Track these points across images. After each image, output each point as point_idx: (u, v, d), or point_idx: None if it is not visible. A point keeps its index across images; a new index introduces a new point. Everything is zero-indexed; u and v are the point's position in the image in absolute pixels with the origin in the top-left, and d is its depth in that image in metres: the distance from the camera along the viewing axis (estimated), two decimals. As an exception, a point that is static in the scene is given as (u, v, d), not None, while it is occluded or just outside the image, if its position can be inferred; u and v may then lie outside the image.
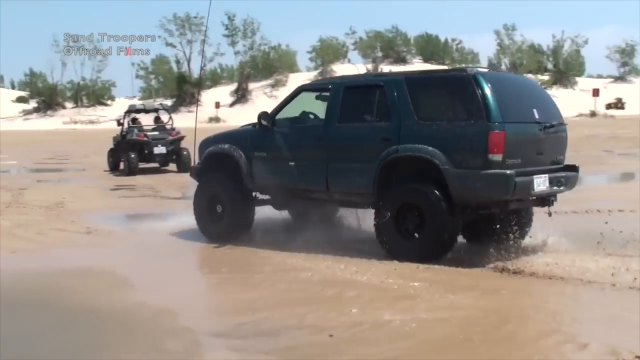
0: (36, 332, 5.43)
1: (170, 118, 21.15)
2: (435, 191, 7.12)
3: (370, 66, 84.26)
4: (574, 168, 8.02)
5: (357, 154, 7.84)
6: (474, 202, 7.37)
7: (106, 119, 74.26)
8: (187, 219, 9.62)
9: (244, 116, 72.87)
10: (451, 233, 7.31)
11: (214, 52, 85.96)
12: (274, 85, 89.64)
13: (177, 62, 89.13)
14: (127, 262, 7.95)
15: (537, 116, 7.45)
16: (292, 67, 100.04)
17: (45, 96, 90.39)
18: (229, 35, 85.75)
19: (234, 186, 8.77)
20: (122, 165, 19.75)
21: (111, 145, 20.97)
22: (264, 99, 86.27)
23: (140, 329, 5.40)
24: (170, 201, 13.52)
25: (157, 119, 21.43)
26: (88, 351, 4.94)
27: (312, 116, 8.79)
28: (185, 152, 18.87)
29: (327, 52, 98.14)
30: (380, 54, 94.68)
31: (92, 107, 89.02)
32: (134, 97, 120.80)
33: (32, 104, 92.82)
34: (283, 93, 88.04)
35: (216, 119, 73.14)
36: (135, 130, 20.02)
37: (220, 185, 8.96)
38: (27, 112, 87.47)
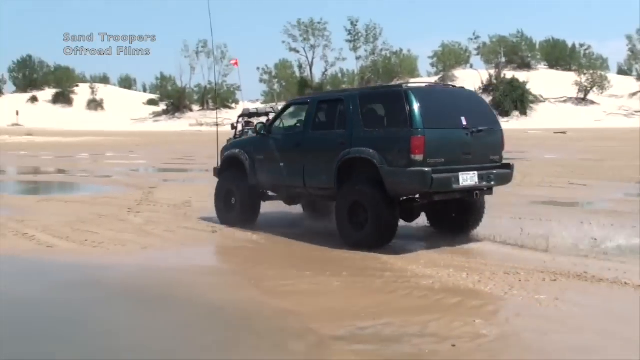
0: (163, 328, 5.65)
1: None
2: (375, 191, 8.54)
3: (492, 72, 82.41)
4: (508, 166, 9.26)
5: (324, 156, 9.31)
6: (403, 194, 8.79)
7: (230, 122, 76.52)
8: (308, 222, 9.81)
9: (363, 121, 73.36)
10: (389, 225, 8.60)
11: (336, 57, 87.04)
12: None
13: (300, 66, 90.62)
14: (251, 263, 8.13)
15: (464, 123, 8.70)
16: (413, 72, 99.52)
17: (174, 99, 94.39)
18: (351, 41, 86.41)
19: (243, 183, 10.53)
20: None
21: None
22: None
23: (263, 329, 5.51)
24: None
25: None
26: (213, 349, 5.08)
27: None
28: None
29: (449, 57, 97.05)
30: (503, 60, 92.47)
31: (217, 109, 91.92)
32: (257, 100, 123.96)
33: (162, 106, 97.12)
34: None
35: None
36: (250, 132, 20.62)
37: (233, 182, 10.78)
38: (156, 114, 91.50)
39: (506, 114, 71.30)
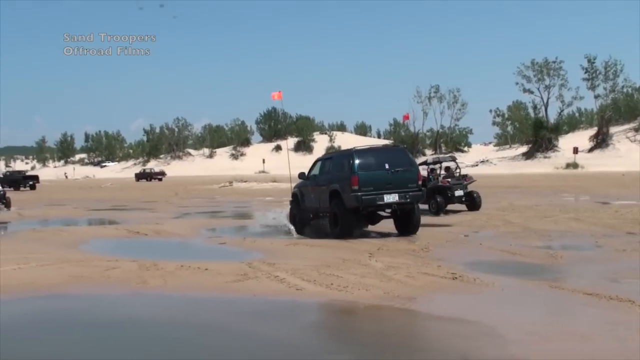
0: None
1: (458, 167, 25.03)
2: (341, 206, 15.53)
3: None
4: (420, 190, 15.75)
5: (324, 189, 16.45)
6: (352, 207, 15.37)
7: (463, 166, 75.87)
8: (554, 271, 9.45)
9: (604, 162, 68.90)
10: (348, 225, 15.60)
11: (573, 96, 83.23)
12: (637, 129, 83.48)
13: (534, 107, 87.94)
14: (495, 311, 8.01)
15: (387, 167, 15.35)
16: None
17: (407, 144, 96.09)
18: (588, 79, 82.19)
19: (299, 208, 18.20)
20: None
21: None
22: (626, 144, 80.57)
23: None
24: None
25: (447, 169, 24.88)
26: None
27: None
28: (475, 194, 23.13)
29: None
30: None
31: (449, 153, 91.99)
32: (489, 143, 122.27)
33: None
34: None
35: (574, 165, 70.15)
36: (440, 177, 23.70)
37: (295, 207, 18.49)
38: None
39: None
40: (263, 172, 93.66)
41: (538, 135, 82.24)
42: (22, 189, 57.82)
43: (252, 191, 45.39)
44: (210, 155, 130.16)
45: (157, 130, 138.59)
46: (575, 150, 73.57)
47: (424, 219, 20.41)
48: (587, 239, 14.54)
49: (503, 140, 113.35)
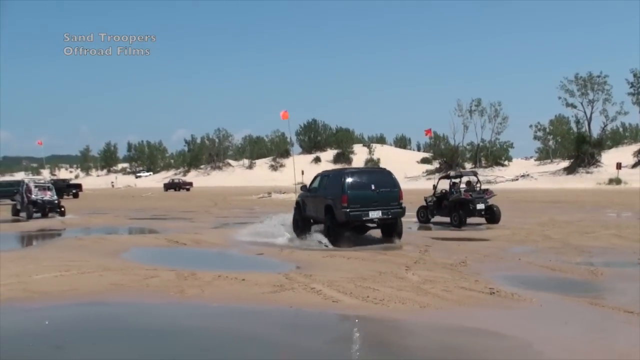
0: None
1: (479, 181, 25.94)
2: (333, 219, 17.41)
3: None
4: (401, 207, 17.59)
5: (321, 202, 18.21)
6: (342, 221, 17.24)
7: (503, 180, 75.15)
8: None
9: (649, 178, 67.32)
10: (339, 234, 17.34)
11: (617, 111, 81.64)
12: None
13: (577, 122, 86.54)
14: (530, 325, 7.92)
15: (373, 187, 17.36)
16: None
17: (446, 157, 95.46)
18: (634, 94, 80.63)
19: (301, 214, 20.03)
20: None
21: (424, 203, 25.76)
22: (673, 159, 78.90)
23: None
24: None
25: (468, 183, 25.48)
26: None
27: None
28: (495, 208, 23.83)
29: None
30: None
31: (489, 167, 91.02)
32: (530, 157, 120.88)
33: (435, 164, 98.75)
34: (697, 152, 79.69)
35: (617, 181, 68.82)
36: (462, 191, 24.15)
37: (298, 214, 20.27)
38: (429, 172, 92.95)
39: None
40: (302, 183, 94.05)
41: (580, 150, 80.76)
42: (65, 197, 58.89)
43: (290, 202, 45.38)
44: (250, 166, 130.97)
45: (198, 140, 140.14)
46: (619, 166, 72.17)
47: (459, 233, 20.46)
48: (629, 256, 14.27)
49: (544, 155, 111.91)
